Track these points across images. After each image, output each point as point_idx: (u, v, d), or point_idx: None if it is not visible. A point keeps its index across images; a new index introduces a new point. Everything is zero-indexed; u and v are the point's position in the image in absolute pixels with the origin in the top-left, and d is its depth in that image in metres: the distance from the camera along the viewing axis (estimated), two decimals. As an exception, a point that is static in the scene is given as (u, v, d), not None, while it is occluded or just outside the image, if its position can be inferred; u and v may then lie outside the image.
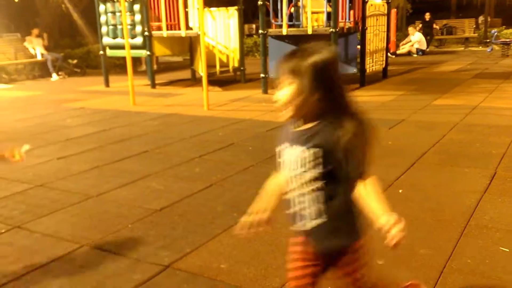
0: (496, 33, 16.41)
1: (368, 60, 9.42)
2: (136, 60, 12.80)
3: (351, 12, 9.13)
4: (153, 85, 10.44)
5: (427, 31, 17.34)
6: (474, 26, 19.48)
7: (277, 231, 2.75)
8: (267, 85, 8.87)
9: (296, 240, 1.71)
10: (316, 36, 8.77)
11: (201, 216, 3.36)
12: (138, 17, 9.93)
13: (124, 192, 3.93)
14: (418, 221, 3.14)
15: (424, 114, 6.55)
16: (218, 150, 5.11)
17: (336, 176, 1.54)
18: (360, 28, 9.27)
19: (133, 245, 2.97)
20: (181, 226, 3.20)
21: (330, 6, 8.41)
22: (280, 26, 8.98)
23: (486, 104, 7.07)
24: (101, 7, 10.45)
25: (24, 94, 10.37)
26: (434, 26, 18.28)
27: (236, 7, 10.21)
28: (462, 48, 17.96)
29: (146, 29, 9.88)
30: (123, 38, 8.69)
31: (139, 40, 10.00)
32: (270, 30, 9.26)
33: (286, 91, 1.51)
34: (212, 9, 10.54)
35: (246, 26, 17.73)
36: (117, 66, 13.83)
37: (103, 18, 10.50)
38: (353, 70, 9.72)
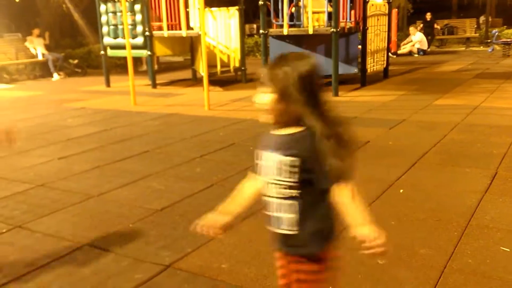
0: (497, 33, 16.40)
1: (369, 60, 9.41)
2: (137, 60, 12.79)
3: (352, 12, 9.11)
4: (154, 85, 10.44)
5: (428, 31, 17.32)
6: (475, 26, 19.44)
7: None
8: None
9: (278, 255, 1.72)
10: (317, 36, 8.78)
11: (202, 216, 3.35)
12: (139, 17, 9.94)
13: (125, 192, 3.94)
14: (419, 221, 3.14)
15: (425, 114, 6.54)
16: (219, 150, 5.12)
17: (312, 185, 1.53)
18: (361, 28, 9.26)
19: (134, 245, 2.97)
20: (182, 226, 3.20)
21: (331, 6, 8.39)
22: (281, 26, 8.98)
23: (487, 104, 7.07)
24: (102, 7, 10.45)
25: (25, 94, 10.37)
26: (435, 26, 18.25)
27: (237, 7, 10.21)
28: (463, 48, 17.94)
29: (147, 29, 9.89)
30: (124, 38, 8.69)
31: (140, 40, 10.00)
32: (271, 30, 9.27)
33: (267, 97, 1.53)
34: (213, 9, 10.54)
35: (247, 26, 17.73)
36: (118, 66, 13.83)
37: (104, 18, 10.50)
38: (354, 70, 9.73)
